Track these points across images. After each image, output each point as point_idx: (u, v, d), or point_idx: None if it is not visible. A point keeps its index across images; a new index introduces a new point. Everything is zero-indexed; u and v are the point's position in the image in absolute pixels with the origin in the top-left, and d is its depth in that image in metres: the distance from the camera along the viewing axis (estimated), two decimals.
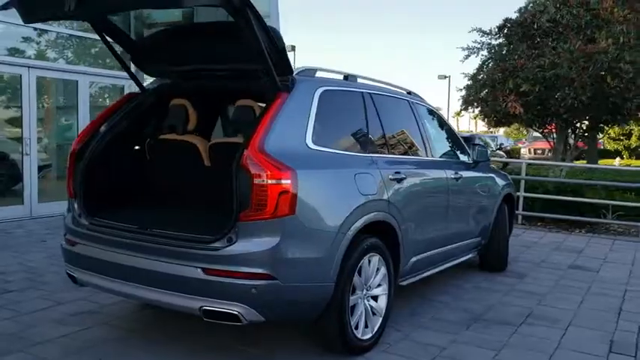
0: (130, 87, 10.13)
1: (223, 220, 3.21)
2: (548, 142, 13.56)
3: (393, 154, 4.36)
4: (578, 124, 12.00)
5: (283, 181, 3.11)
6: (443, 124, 5.65)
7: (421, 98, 5.28)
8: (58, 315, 4.30)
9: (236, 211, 3.12)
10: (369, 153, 4.00)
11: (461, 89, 13.52)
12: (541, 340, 4.15)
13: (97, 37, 3.83)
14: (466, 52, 13.76)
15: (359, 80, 4.29)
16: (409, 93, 5.09)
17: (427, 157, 4.87)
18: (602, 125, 11.95)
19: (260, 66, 3.46)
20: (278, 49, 3.35)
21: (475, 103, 12.95)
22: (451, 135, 5.66)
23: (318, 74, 3.88)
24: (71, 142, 4.05)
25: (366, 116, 4.11)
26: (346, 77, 4.18)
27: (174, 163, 4.22)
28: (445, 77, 42.02)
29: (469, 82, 13.58)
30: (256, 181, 3.09)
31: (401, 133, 4.61)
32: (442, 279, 5.63)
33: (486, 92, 12.34)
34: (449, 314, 4.69)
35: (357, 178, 3.64)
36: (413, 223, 4.25)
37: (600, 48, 9.57)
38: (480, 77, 13.70)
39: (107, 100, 10.69)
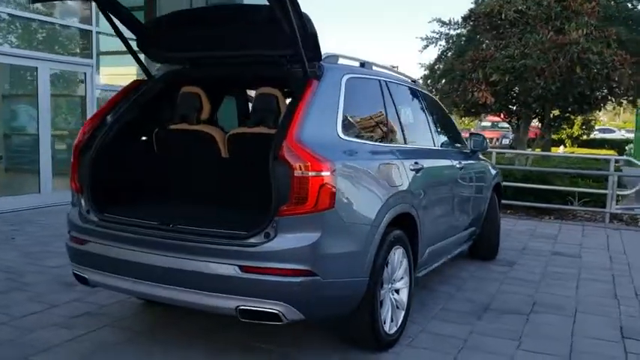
0: (92, 75, 9.68)
1: (252, 215, 3.05)
2: (498, 131, 13.91)
3: (409, 143, 4.28)
4: (545, 114, 12.33)
5: (323, 174, 2.97)
6: (444, 112, 5.62)
7: (423, 87, 5.22)
8: (56, 318, 4.02)
9: (274, 205, 2.96)
10: (390, 143, 3.91)
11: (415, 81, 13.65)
12: (555, 328, 4.19)
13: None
14: (425, 43, 13.93)
15: (373, 68, 4.18)
16: (414, 81, 5.02)
17: (435, 146, 4.83)
18: (568, 115, 12.33)
19: (288, 51, 3.31)
20: (310, 34, 3.19)
21: (434, 92, 13.10)
22: (450, 124, 5.65)
23: (340, 61, 3.75)
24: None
25: (384, 105, 4.01)
26: (362, 64, 4.06)
27: (187, 155, 3.99)
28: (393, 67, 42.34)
29: (426, 73, 13.75)
30: (296, 173, 2.94)
31: (415, 122, 4.54)
32: (438, 269, 5.62)
33: (451, 82, 12.48)
34: (456, 305, 4.67)
35: (384, 170, 3.55)
36: (429, 214, 4.20)
37: (572, 39, 9.83)
38: (436, 67, 13.88)
39: (66, 89, 10.16)
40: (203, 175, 3.98)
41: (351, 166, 3.24)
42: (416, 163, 4.00)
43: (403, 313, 3.82)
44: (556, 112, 12.46)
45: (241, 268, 2.96)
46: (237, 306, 2.98)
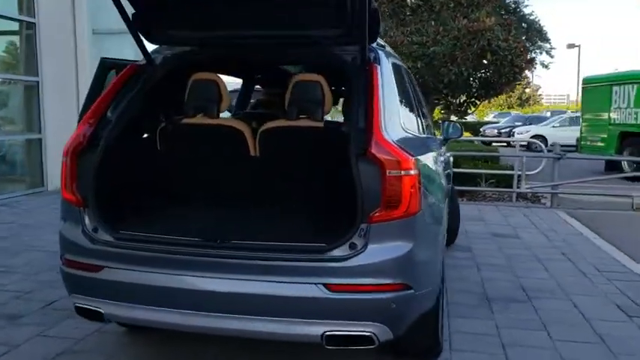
0: None
1: (313, 223, 2.64)
2: None
3: (422, 132, 4.03)
4: (454, 99, 12.79)
5: (412, 172, 2.61)
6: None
7: None
8: None
9: (361, 210, 2.54)
10: (423, 133, 3.63)
11: None
12: (565, 313, 4.22)
13: None
14: None
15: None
16: None
17: (427, 133, 4.63)
18: (474, 100, 12.91)
19: (336, 31, 2.88)
20: (373, 9, 2.78)
21: None
22: (427, 109, 5.49)
23: None
24: None
25: (411, 91, 3.73)
26: (382, 46, 3.71)
27: (208, 155, 3.36)
28: None
29: None
30: (390, 172, 2.55)
31: (423, 109, 4.30)
32: None
33: None
34: (459, 297, 4.54)
35: (439, 164, 3.29)
36: (442, 205, 4.00)
37: (486, 26, 10.22)
38: None
39: None
40: (231, 178, 3.38)
41: (423, 162, 2.91)
42: (440, 154, 3.77)
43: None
44: (463, 98, 13.04)
45: (327, 286, 2.51)
46: (324, 332, 2.53)
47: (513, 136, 25.48)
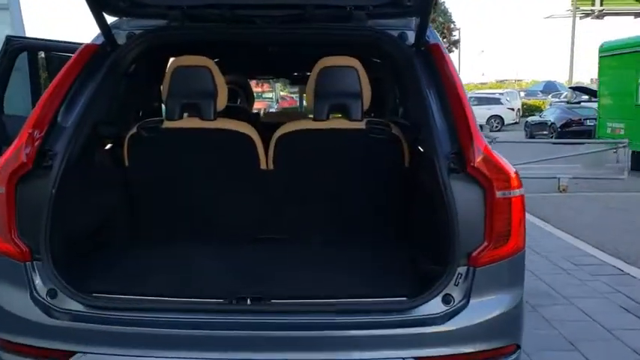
0: None
1: (379, 265, 1.99)
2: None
3: None
4: None
5: (520, 191, 1.95)
6: None
7: None
8: None
9: (459, 249, 1.84)
10: None
11: None
12: (580, 323, 3.83)
13: None
14: None
15: None
16: None
17: None
18: None
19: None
20: None
21: None
22: None
23: None
24: None
25: None
26: None
27: (202, 171, 2.43)
28: None
29: None
30: (499, 194, 1.86)
31: None
32: None
33: None
34: None
35: None
36: None
37: None
38: None
39: None
40: (239, 204, 2.48)
41: None
42: None
43: None
44: None
45: None
46: None
47: None
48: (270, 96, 26.17)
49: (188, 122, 2.37)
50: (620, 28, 33.10)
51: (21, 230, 1.88)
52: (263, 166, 2.42)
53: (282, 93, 27.75)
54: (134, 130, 2.38)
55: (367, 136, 2.33)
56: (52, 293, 1.86)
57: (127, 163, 2.42)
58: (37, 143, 1.91)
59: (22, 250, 1.87)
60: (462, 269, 1.85)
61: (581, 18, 29.97)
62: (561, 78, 39.76)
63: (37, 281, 1.87)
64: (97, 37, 2.32)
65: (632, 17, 29.82)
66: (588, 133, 16.36)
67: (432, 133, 1.97)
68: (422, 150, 2.25)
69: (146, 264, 2.21)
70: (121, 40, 2.31)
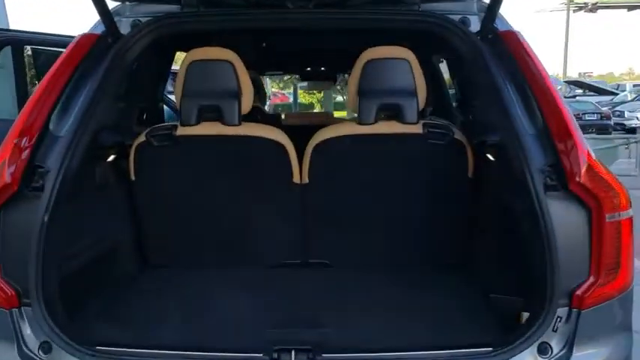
0: None
1: (451, 306, 1.69)
2: None
3: None
4: None
5: (629, 213, 1.57)
6: None
7: None
8: None
9: (557, 285, 1.47)
10: None
11: None
12: None
13: None
14: None
15: None
16: None
17: None
18: None
19: None
20: None
21: None
22: None
23: None
24: None
25: None
26: None
27: (226, 187, 2.04)
28: None
29: None
30: (609, 217, 1.49)
31: None
32: None
33: None
34: None
35: None
36: None
37: None
38: None
39: None
40: (268, 224, 2.08)
41: None
42: None
43: None
44: None
45: None
46: None
47: None
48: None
49: (207, 128, 1.98)
50: (612, 21, 32.97)
51: (5, 269, 1.49)
52: (296, 179, 2.04)
53: (273, 89, 27.27)
54: (142, 137, 1.98)
55: (425, 142, 1.95)
56: (45, 347, 1.47)
57: (133, 178, 2.02)
58: (24, 157, 1.51)
59: (8, 294, 1.48)
60: (562, 311, 1.48)
61: (574, 11, 29.74)
62: (552, 71, 39.57)
63: (27, 332, 1.48)
64: (96, 25, 1.92)
65: (626, 10, 29.66)
66: (588, 128, 16.03)
67: (517, 139, 1.59)
68: (492, 159, 1.88)
69: (161, 304, 1.83)
70: (124, 29, 1.92)
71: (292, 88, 16.15)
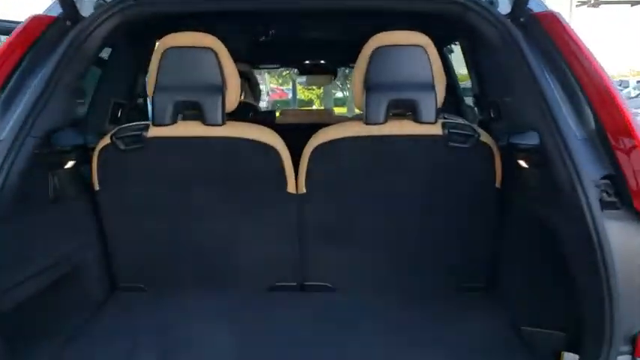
0: None
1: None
2: None
3: None
4: None
5: None
6: None
7: None
8: None
9: (617, 329, 1.19)
10: None
11: None
12: None
13: None
14: None
15: None
16: None
17: None
18: None
19: None
20: None
21: None
22: None
23: None
24: None
25: None
26: None
27: (206, 196, 1.73)
28: None
29: None
30: None
31: None
32: None
33: None
34: None
35: None
36: None
37: None
38: None
39: None
40: (257, 241, 1.78)
41: None
42: None
43: None
44: None
45: None
46: None
47: None
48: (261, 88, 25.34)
49: (185, 129, 1.67)
50: (615, 17, 32.65)
51: None
52: (291, 189, 1.73)
53: (271, 85, 26.90)
54: (107, 140, 1.67)
55: (445, 144, 1.65)
56: None
57: (97, 187, 1.71)
58: None
59: None
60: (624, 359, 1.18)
61: (577, 6, 29.34)
62: None
63: None
64: (52, 6, 1.61)
65: (629, 5, 29.24)
66: None
67: (562, 144, 1.29)
68: (524, 165, 1.57)
69: (132, 336, 1.52)
70: (86, 10, 1.61)
71: (291, 84, 15.81)
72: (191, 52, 1.64)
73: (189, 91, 1.64)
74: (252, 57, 3.31)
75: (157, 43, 1.72)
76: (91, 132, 1.80)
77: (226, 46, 1.67)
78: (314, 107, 17.63)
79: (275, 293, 1.83)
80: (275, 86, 26.72)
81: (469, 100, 3.14)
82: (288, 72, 12.93)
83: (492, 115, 2.10)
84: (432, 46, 1.64)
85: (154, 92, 1.64)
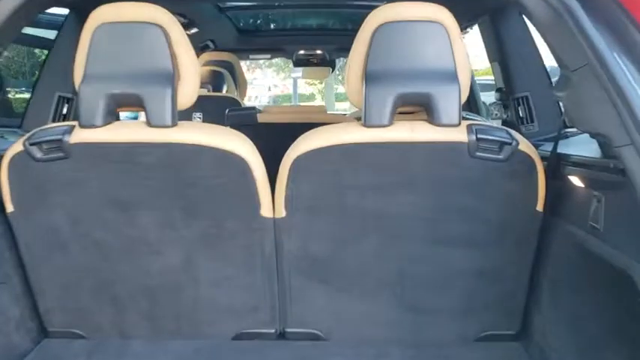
0: None
1: None
2: None
3: None
4: None
5: None
6: None
7: None
8: None
9: None
10: None
11: None
12: None
13: None
14: None
15: None
16: None
17: None
18: None
19: None
20: None
21: None
22: None
23: None
24: None
25: None
26: None
27: (152, 221, 1.32)
28: None
29: None
30: None
31: None
32: None
33: None
34: None
35: None
36: None
37: None
38: None
39: None
40: (220, 277, 1.38)
41: None
42: None
43: None
44: None
45: None
46: None
47: None
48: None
49: (122, 132, 1.26)
50: None
51: None
52: (266, 212, 1.32)
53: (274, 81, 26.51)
54: (19, 146, 1.26)
55: (471, 155, 1.23)
56: None
57: (9, 209, 1.30)
58: None
59: None
60: None
61: None
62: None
63: None
64: None
65: None
66: None
67: None
68: (579, 184, 1.17)
69: None
70: None
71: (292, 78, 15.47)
72: (131, 29, 1.23)
73: (128, 82, 1.22)
74: (236, 44, 2.89)
75: (88, 18, 1.30)
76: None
77: (202, 31, 1.27)
78: (315, 103, 17.24)
79: (245, 343, 1.43)
80: (281, 82, 26.33)
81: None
82: (289, 66, 12.53)
83: (521, 115, 1.69)
84: (454, 22, 1.22)
85: (80, 83, 1.23)
